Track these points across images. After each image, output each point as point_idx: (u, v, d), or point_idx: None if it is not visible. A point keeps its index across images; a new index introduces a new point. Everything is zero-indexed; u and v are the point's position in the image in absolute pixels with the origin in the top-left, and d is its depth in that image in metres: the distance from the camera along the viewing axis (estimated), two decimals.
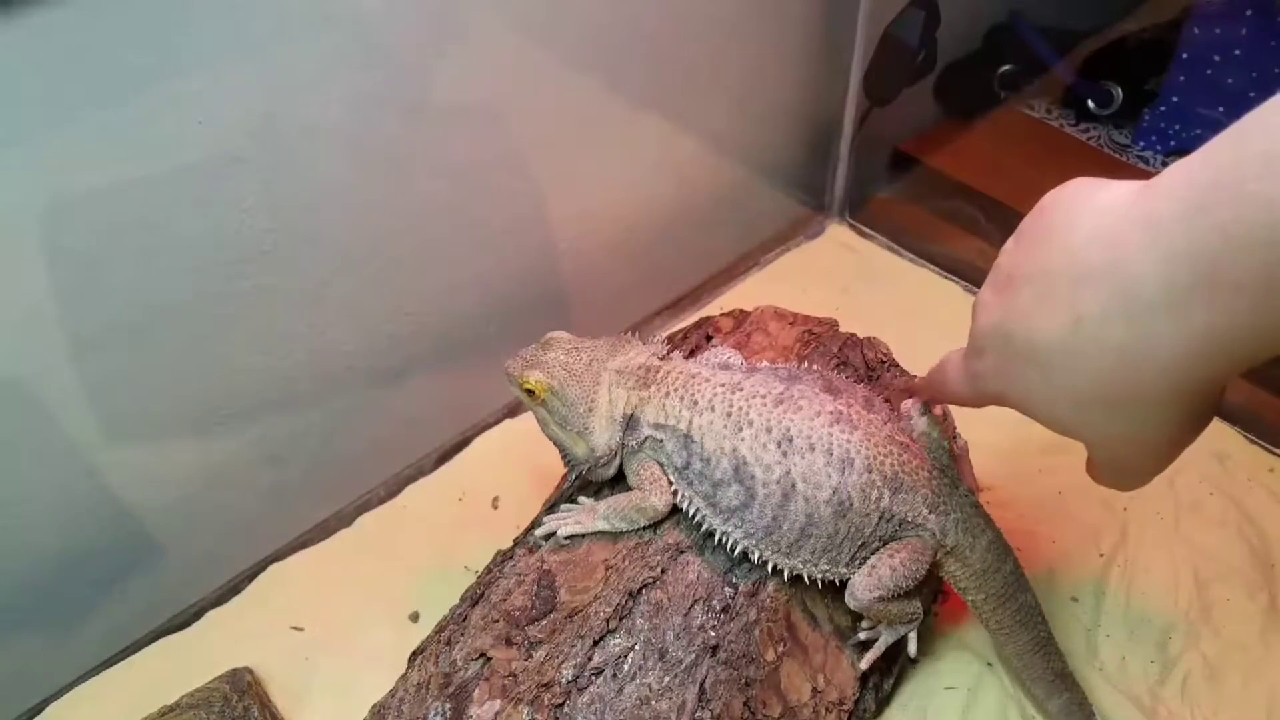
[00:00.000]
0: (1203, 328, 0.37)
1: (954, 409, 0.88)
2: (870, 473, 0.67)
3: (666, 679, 0.66)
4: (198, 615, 0.92)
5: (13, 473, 0.77)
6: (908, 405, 0.78)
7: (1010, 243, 0.50)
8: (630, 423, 0.73)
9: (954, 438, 0.84)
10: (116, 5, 0.65)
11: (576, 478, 0.80)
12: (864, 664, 0.74)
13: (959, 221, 1.29)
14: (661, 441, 0.71)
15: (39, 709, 0.85)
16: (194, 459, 0.88)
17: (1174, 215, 0.37)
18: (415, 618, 0.90)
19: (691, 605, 0.70)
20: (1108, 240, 0.41)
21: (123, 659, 0.89)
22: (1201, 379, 0.40)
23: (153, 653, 0.89)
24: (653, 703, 0.65)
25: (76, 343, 0.75)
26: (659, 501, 0.72)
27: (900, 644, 0.75)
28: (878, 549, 0.70)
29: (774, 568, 0.70)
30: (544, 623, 0.69)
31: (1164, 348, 0.39)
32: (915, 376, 0.91)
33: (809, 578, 0.70)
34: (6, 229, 0.68)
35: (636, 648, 0.67)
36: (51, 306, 0.73)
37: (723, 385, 0.70)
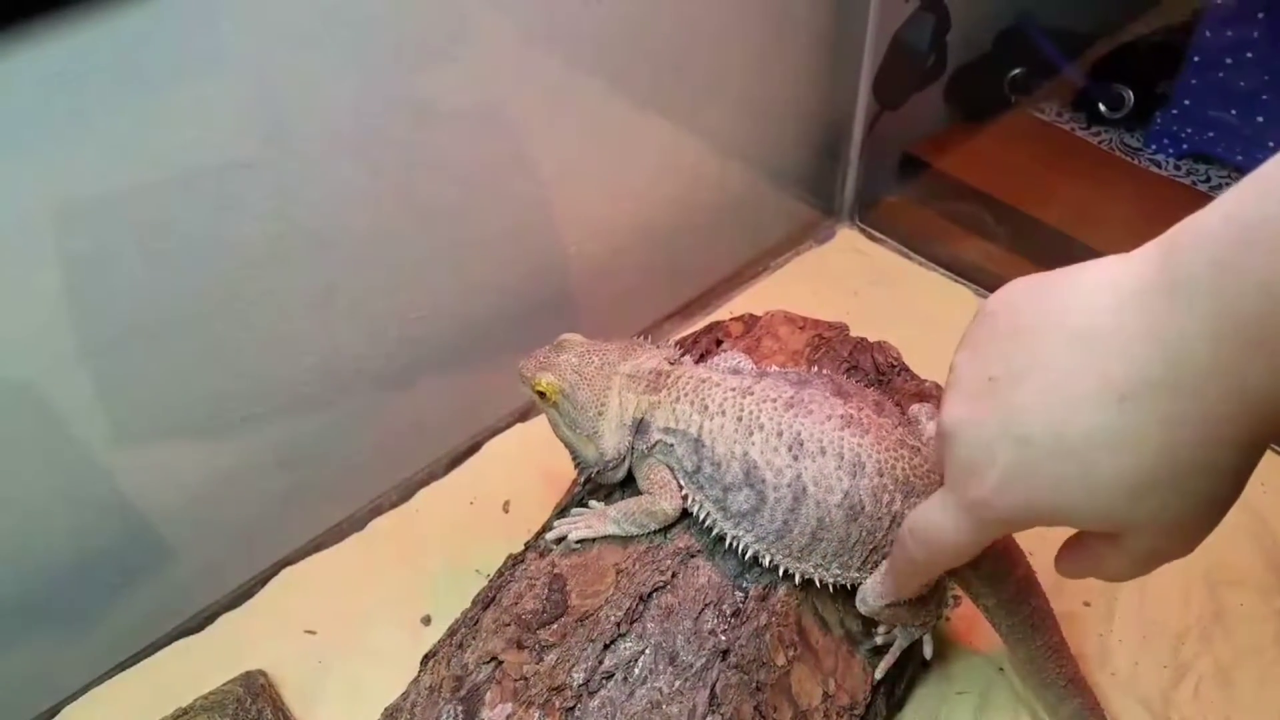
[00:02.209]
0: (1259, 387, 0.35)
1: None
2: (882, 476, 0.67)
3: (677, 683, 0.66)
4: (211, 618, 0.93)
5: (26, 476, 0.78)
6: (918, 409, 0.78)
7: (963, 354, 0.46)
8: (640, 427, 0.73)
9: None
10: (127, 12, 0.66)
11: (587, 481, 0.80)
12: (879, 672, 0.74)
13: (969, 225, 1.29)
14: (672, 446, 0.72)
15: (54, 711, 0.86)
16: (206, 462, 0.88)
17: (1207, 275, 0.35)
18: (427, 621, 0.90)
19: (702, 609, 0.70)
20: (1130, 310, 0.38)
21: (137, 662, 0.89)
22: (1258, 436, 0.38)
23: (166, 655, 0.90)
24: (663, 706, 0.65)
25: (89, 346, 0.76)
26: (669, 506, 0.72)
27: (911, 649, 0.75)
28: (889, 553, 0.70)
29: (785, 572, 0.70)
30: (555, 626, 0.70)
31: (1220, 413, 0.36)
32: (926, 380, 0.90)
33: (820, 582, 0.70)
34: (19, 234, 0.69)
35: (647, 651, 0.67)
36: (64, 310, 0.73)
37: (733, 389, 0.70)
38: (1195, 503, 0.40)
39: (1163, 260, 0.38)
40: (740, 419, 0.69)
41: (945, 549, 0.51)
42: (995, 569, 0.71)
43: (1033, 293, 0.43)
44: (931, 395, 0.89)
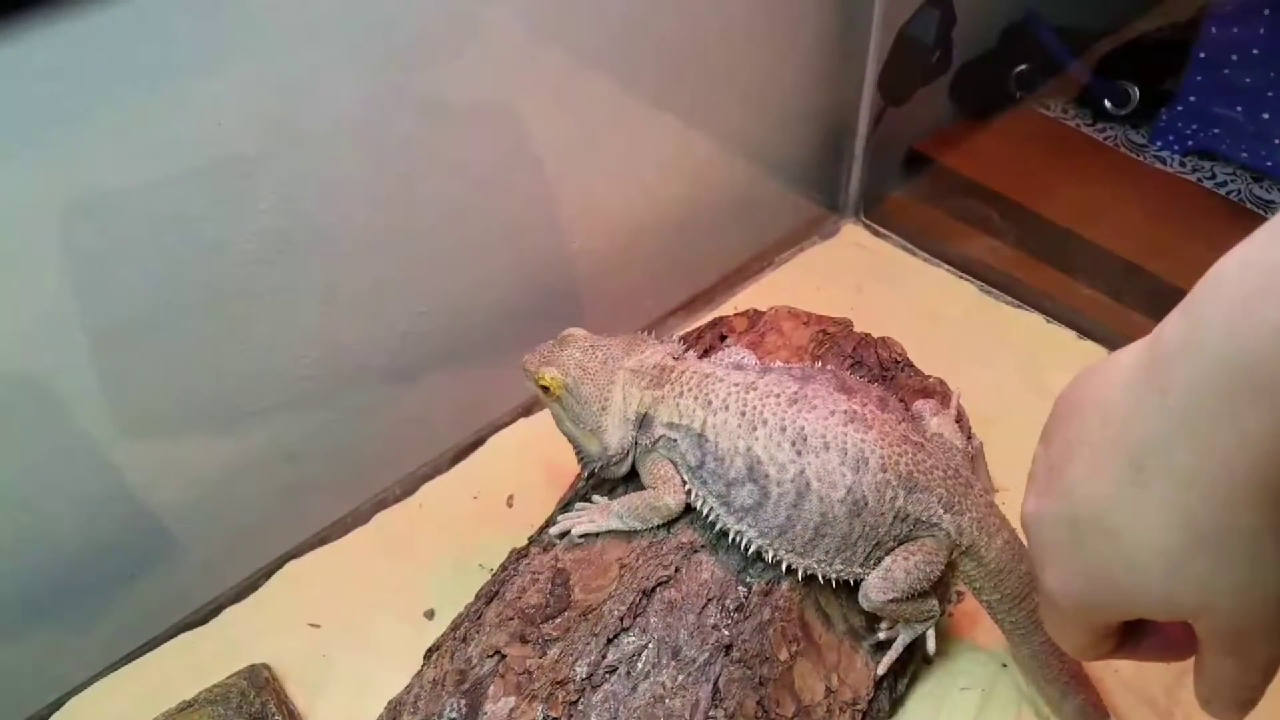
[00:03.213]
0: (1270, 440, 0.34)
1: (970, 413, 0.88)
2: (885, 472, 0.67)
3: (680, 677, 0.66)
4: (216, 612, 0.93)
5: (32, 469, 0.78)
6: (921, 405, 0.78)
7: (1039, 448, 0.45)
8: (644, 422, 0.73)
9: (969, 438, 0.84)
10: (134, 7, 0.66)
11: (590, 476, 0.80)
12: (881, 668, 0.74)
13: (974, 221, 1.28)
14: (675, 441, 0.72)
15: (59, 704, 0.86)
16: (211, 456, 0.88)
17: (1221, 321, 0.34)
18: (431, 615, 0.90)
19: (705, 604, 0.70)
20: (1142, 373, 0.37)
21: (141, 655, 0.89)
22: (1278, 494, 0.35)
23: (171, 649, 0.90)
24: (666, 701, 0.65)
25: (95, 341, 0.76)
26: (672, 500, 0.72)
27: (915, 644, 0.75)
28: (892, 549, 0.70)
29: (788, 567, 0.71)
30: (558, 620, 0.70)
31: (1233, 469, 0.35)
32: (930, 376, 0.91)
33: (823, 577, 0.70)
34: (27, 228, 0.69)
35: (650, 646, 0.67)
36: (70, 305, 0.73)
37: (737, 385, 0.70)
38: (1238, 574, 0.37)
39: (1179, 319, 0.37)
40: (744, 414, 0.69)
41: (1065, 641, 0.47)
42: (999, 564, 0.72)
43: (1082, 378, 0.43)
44: (935, 391, 0.89)
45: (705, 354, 0.82)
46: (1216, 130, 1.25)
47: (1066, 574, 0.42)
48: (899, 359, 0.91)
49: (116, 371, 0.78)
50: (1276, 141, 1.20)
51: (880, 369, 0.89)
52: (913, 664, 0.80)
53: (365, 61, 0.80)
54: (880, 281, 1.26)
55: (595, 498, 0.78)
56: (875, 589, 0.69)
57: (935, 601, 0.73)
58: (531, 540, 0.79)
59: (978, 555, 0.71)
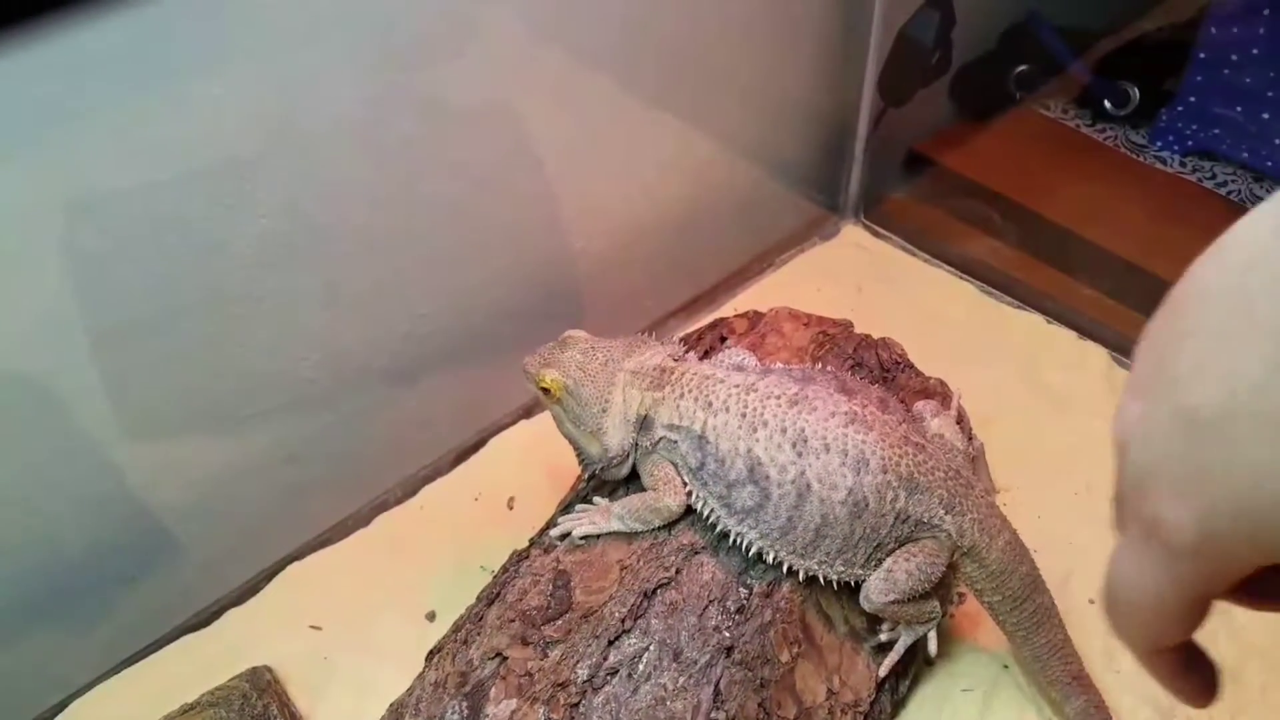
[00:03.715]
0: None
1: (971, 414, 0.88)
2: (886, 473, 0.67)
3: (681, 679, 0.66)
4: (218, 614, 0.93)
5: (33, 470, 0.78)
6: (922, 406, 0.78)
7: (1141, 345, 0.35)
8: (644, 423, 0.73)
9: (970, 439, 0.84)
10: (134, 8, 0.66)
11: (591, 477, 0.80)
12: (883, 670, 0.74)
13: (974, 222, 1.28)
14: (676, 442, 0.72)
15: (61, 706, 0.86)
16: (213, 458, 0.88)
17: None
18: (432, 617, 0.90)
19: (706, 606, 0.70)
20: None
21: (144, 657, 0.89)
22: None
23: (173, 651, 0.90)
24: (668, 703, 0.65)
25: (95, 341, 0.76)
26: (673, 502, 0.72)
27: (916, 645, 0.75)
28: (894, 550, 0.70)
29: (789, 569, 0.70)
30: (559, 622, 0.70)
31: None
32: (930, 377, 0.90)
33: (824, 579, 0.70)
34: (28, 229, 0.69)
35: (651, 648, 0.67)
36: (72, 306, 0.73)
37: (737, 386, 0.70)
38: None
39: None
40: (744, 416, 0.69)
41: (1142, 607, 0.36)
42: (1000, 565, 0.71)
43: (1203, 256, 0.33)
44: (935, 392, 0.89)
45: (705, 355, 0.82)
46: (1216, 130, 1.25)
47: (1183, 489, 0.31)
48: (899, 360, 0.91)
49: (117, 372, 0.78)
50: (1277, 141, 1.20)
51: (881, 370, 0.89)
52: (914, 665, 0.80)
53: (365, 61, 0.80)
54: (880, 282, 1.26)
55: (596, 499, 0.78)
56: (876, 590, 0.69)
57: (937, 603, 0.73)
58: (532, 542, 0.79)
59: (979, 556, 0.71)
